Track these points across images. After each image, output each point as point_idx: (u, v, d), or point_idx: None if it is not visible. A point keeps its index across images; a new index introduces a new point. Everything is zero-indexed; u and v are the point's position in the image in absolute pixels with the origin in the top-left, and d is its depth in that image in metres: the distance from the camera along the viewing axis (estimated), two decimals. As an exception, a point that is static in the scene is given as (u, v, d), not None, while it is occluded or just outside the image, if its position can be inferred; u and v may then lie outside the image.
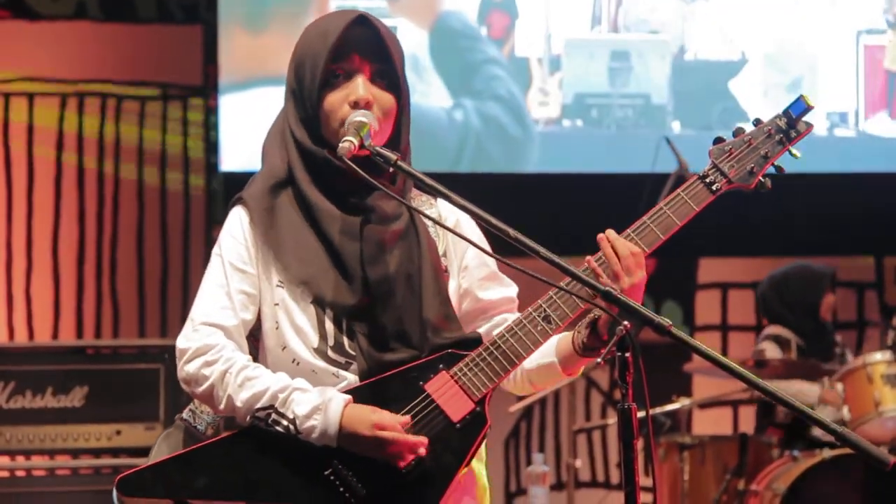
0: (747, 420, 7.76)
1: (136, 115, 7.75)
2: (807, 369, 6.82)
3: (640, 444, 2.63)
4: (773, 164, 2.93)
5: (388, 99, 2.87)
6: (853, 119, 7.86)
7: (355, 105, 2.83)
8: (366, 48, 2.86)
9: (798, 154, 2.94)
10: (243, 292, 2.86)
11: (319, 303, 2.83)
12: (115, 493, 2.80)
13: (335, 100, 2.85)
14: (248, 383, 2.77)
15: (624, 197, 6.93)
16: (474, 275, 2.97)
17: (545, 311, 2.80)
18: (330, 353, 2.82)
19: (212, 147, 7.75)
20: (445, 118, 7.59)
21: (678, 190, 2.88)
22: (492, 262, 2.96)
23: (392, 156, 2.77)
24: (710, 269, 8.25)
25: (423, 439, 2.75)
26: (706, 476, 6.74)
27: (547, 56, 7.75)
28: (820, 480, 6.30)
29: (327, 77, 2.85)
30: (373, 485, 2.75)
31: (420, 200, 2.97)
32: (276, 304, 2.85)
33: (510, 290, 3.01)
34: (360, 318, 2.82)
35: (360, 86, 2.84)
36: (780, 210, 7.68)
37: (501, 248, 2.87)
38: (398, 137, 2.91)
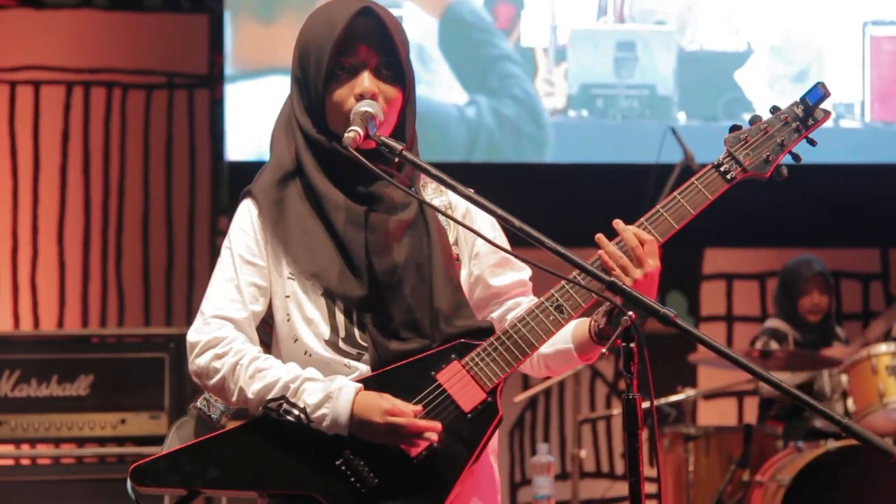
0: (752, 411, 7.76)
1: (142, 104, 7.76)
2: (809, 361, 6.82)
3: (644, 434, 2.62)
4: (790, 153, 2.90)
5: (393, 90, 2.87)
6: (859, 110, 7.86)
7: (361, 97, 2.83)
8: (372, 40, 2.85)
9: (816, 142, 2.92)
10: (253, 284, 2.87)
11: (330, 295, 2.83)
12: (128, 482, 2.81)
13: (341, 93, 2.85)
14: (258, 375, 2.78)
15: (629, 187, 6.93)
16: (485, 262, 2.96)
17: (557, 300, 2.79)
18: (341, 344, 2.83)
19: (217, 136, 7.75)
20: (456, 113, 7.59)
21: (692, 178, 2.86)
22: (504, 246, 2.93)
23: (397, 146, 2.76)
24: (716, 259, 8.25)
25: (437, 424, 2.74)
26: (711, 467, 6.74)
27: (553, 46, 7.74)
28: (824, 471, 6.30)
29: (333, 69, 2.85)
30: (383, 474, 2.76)
31: (430, 188, 2.97)
32: (288, 297, 2.86)
33: (522, 273, 2.98)
34: (370, 309, 2.82)
35: (366, 79, 2.84)
36: (785, 201, 7.67)
37: (510, 238, 2.87)
38: (403, 127, 2.90)
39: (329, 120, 2.87)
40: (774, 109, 2.92)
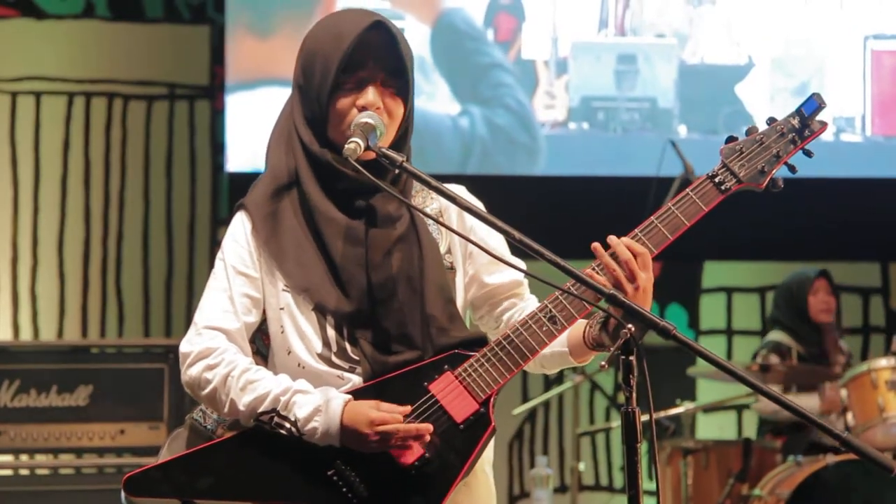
0: (751, 424, 7.76)
1: (142, 114, 7.76)
2: (809, 375, 6.81)
3: (643, 447, 2.61)
4: (785, 164, 2.87)
5: (396, 104, 2.88)
6: (860, 124, 7.86)
7: (363, 109, 2.83)
8: (380, 54, 2.85)
9: (812, 153, 2.90)
10: (246, 295, 2.86)
11: (321, 310, 2.83)
12: (122, 492, 2.81)
13: (345, 104, 2.84)
14: (249, 387, 2.77)
15: (629, 200, 6.92)
16: (479, 260, 2.94)
17: (550, 311, 2.79)
18: (334, 358, 2.82)
19: (218, 147, 7.76)
20: (450, 124, 7.59)
21: (687, 189, 2.84)
22: (497, 245, 2.92)
23: (398, 157, 2.76)
24: (715, 273, 8.25)
25: (427, 425, 2.74)
26: (709, 480, 6.73)
27: (554, 59, 7.75)
28: (824, 486, 6.29)
29: (339, 81, 2.84)
30: (375, 485, 2.75)
31: (422, 196, 2.96)
32: (282, 309, 2.85)
33: (518, 271, 2.94)
34: (361, 324, 2.82)
35: (371, 92, 2.84)
36: (785, 215, 7.67)
37: (508, 243, 2.87)
38: (403, 140, 2.91)
39: (330, 130, 2.86)
40: (771, 120, 2.90)
